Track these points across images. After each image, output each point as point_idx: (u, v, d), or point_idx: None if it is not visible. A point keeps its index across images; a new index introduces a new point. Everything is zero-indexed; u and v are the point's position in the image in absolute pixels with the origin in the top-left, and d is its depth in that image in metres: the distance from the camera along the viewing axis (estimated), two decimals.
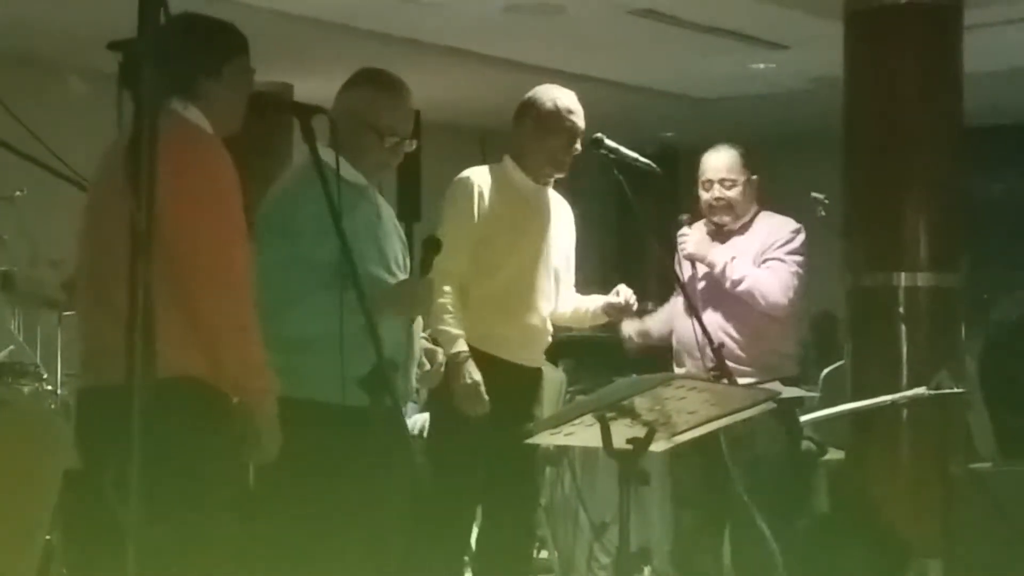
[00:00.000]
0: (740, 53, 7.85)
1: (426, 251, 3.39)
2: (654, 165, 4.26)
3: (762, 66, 8.20)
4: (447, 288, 4.01)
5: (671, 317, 4.84)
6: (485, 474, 4.13)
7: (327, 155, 3.18)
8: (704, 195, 4.72)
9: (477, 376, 4.01)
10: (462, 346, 4.03)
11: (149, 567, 2.07)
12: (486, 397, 4.01)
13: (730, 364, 4.38)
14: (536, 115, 4.17)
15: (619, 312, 4.30)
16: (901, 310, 5.39)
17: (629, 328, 4.81)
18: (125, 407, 2.11)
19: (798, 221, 4.82)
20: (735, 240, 4.72)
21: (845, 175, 5.67)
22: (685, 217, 4.75)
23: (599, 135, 4.15)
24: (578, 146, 4.18)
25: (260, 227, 3.40)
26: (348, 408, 3.20)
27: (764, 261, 4.65)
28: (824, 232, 5.40)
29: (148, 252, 2.36)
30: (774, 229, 4.72)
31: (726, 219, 4.69)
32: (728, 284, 4.60)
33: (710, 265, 4.63)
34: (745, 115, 9.46)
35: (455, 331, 4.04)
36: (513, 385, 4.07)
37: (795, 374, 4.81)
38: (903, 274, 5.43)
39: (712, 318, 4.58)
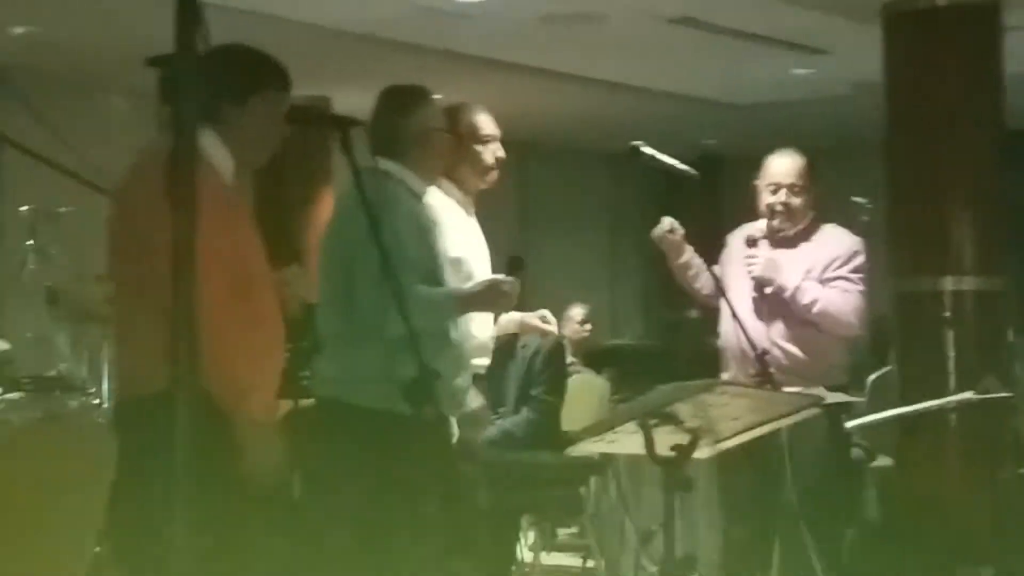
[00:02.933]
0: (780, 59, 7.82)
1: (509, 270, 3.50)
2: (692, 171, 4.24)
3: (802, 72, 8.16)
4: None
5: (700, 272, 4.66)
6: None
7: (386, 164, 3.27)
8: (769, 198, 4.61)
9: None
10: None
11: None
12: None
13: (780, 375, 4.34)
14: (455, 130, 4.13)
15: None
16: (947, 314, 5.35)
17: (668, 222, 4.62)
18: (155, 419, 2.12)
19: (845, 227, 4.77)
20: (798, 249, 4.62)
21: (887, 180, 5.64)
22: (754, 231, 4.66)
23: (636, 143, 4.14)
24: (502, 153, 4.17)
25: (327, 231, 3.51)
26: (395, 415, 3.24)
27: (829, 279, 4.55)
28: (867, 237, 5.36)
29: (189, 272, 2.38)
30: (837, 244, 4.62)
31: (786, 225, 4.62)
32: (800, 307, 4.51)
33: (779, 289, 4.54)
34: (786, 121, 9.41)
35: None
36: None
37: (844, 382, 4.75)
38: (948, 278, 5.39)
39: (777, 330, 4.52)
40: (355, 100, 3.87)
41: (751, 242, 4.59)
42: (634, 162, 4.18)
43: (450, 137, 3.70)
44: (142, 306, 2.71)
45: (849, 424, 4.90)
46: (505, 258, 3.81)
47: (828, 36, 7.25)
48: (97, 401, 5.44)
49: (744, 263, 4.57)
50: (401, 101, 3.70)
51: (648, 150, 4.12)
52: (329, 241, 3.63)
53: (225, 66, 2.86)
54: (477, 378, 4.21)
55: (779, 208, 4.60)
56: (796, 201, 4.61)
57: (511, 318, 4.40)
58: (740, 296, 4.54)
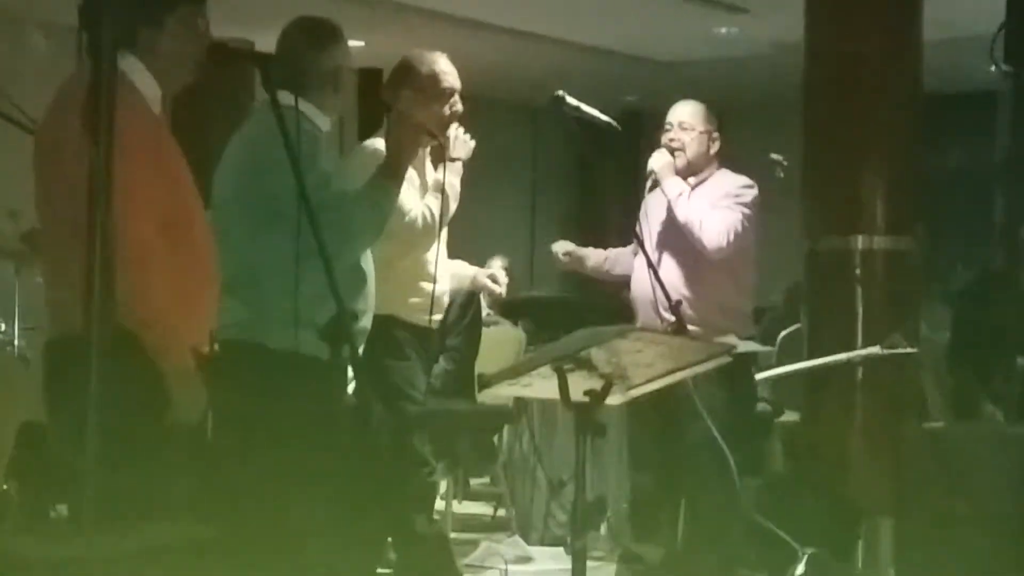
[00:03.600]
0: (703, 17, 7.87)
1: None
2: (615, 123, 4.30)
3: (724, 30, 8.22)
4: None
5: (616, 261, 4.94)
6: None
7: (286, 98, 3.18)
8: (662, 139, 4.80)
9: None
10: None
11: (101, 516, 2.08)
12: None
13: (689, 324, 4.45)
14: (414, 79, 4.20)
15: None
16: (857, 272, 5.44)
17: (561, 247, 4.89)
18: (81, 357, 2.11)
19: (756, 182, 4.88)
20: (695, 192, 4.79)
21: (803, 139, 5.70)
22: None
23: (560, 93, 4.18)
24: (459, 108, 4.21)
25: (222, 168, 3.42)
26: (302, 356, 3.23)
27: (717, 207, 4.74)
28: (783, 194, 5.45)
29: (106, 202, 2.36)
30: (727, 183, 4.82)
31: (679, 165, 4.76)
32: (675, 215, 4.69)
33: (665, 190, 4.70)
34: (707, 79, 9.47)
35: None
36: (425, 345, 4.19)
37: (751, 334, 4.88)
38: (859, 237, 5.48)
39: (664, 269, 4.64)
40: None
41: (654, 185, 4.71)
42: (556, 114, 4.22)
43: (354, 76, 3.65)
44: (73, 244, 2.69)
45: (758, 376, 5.01)
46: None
47: None
48: (8, 338, 5.39)
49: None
50: (315, 34, 3.59)
51: (572, 100, 4.16)
52: (232, 178, 3.47)
53: None
54: (435, 332, 4.26)
55: (669, 144, 4.72)
56: (685, 138, 4.76)
57: (464, 273, 4.43)
58: (650, 247, 4.64)
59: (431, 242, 4.13)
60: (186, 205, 2.88)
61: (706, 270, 4.67)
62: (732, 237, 4.69)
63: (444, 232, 4.15)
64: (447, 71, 4.21)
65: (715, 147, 4.84)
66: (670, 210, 4.73)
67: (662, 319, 4.57)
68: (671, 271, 4.67)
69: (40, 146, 2.92)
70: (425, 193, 4.19)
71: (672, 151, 4.79)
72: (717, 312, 4.68)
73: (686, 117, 4.81)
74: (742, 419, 4.80)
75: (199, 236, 2.91)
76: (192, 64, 2.94)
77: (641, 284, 4.71)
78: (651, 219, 4.76)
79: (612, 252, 5.03)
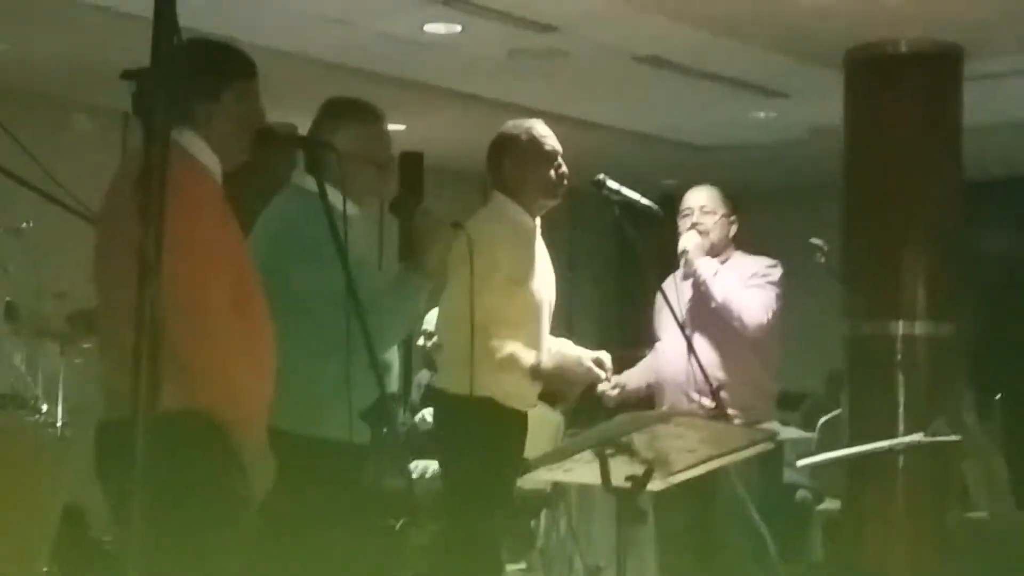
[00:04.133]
0: (741, 102, 7.90)
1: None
2: (656, 207, 4.30)
3: (762, 115, 8.24)
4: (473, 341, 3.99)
5: (648, 370, 4.87)
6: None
7: (311, 183, 3.18)
8: (682, 225, 4.81)
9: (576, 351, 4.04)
10: (533, 357, 4.06)
11: None
12: (595, 358, 4.07)
13: (709, 401, 4.45)
14: (516, 149, 4.19)
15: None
16: (899, 358, 5.41)
17: (605, 384, 4.78)
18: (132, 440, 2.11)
19: (797, 268, 4.87)
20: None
21: (843, 223, 5.70)
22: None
23: (601, 176, 4.18)
24: (564, 169, 4.19)
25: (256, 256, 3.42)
26: (354, 445, 3.21)
27: (746, 286, 4.73)
28: (825, 279, 5.43)
29: (156, 283, 2.37)
30: (752, 264, 4.82)
31: (704, 247, 4.77)
32: (712, 295, 4.67)
33: (700, 270, 4.69)
34: (745, 163, 9.51)
35: (517, 350, 4.04)
36: (525, 431, 4.06)
37: (772, 417, 4.86)
38: (901, 322, 5.46)
39: (712, 360, 4.61)
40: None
41: (687, 266, 4.71)
42: (596, 197, 4.23)
43: (374, 167, 3.45)
44: (128, 328, 2.70)
45: (800, 463, 4.96)
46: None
47: (788, 80, 7.34)
48: (51, 419, 5.41)
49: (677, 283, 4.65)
50: (332, 114, 3.52)
51: (612, 184, 4.17)
52: (271, 262, 3.30)
53: (192, 64, 2.78)
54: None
55: (699, 227, 4.75)
56: (707, 222, 4.77)
57: (569, 354, 4.26)
58: (675, 336, 4.62)
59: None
60: (247, 281, 2.88)
61: (737, 352, 4.64)
62: (771, 315, 4.68)
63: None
64: (546, 135, 4.21)
65: (733, 230, 4.85)
66: (699, 291, 4.71)
67: (692, 403, 4.56)
68: (703, 354, 4.63)
69: (99, 230, 2.95)
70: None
71: (699, 234, 4.80)
72: (748, 395, 4.64)
73: (706, 201, 4.83)
74: (774, 503, 4.75)
75: (260, 316, 2.91)
76: (248, 140, 2.96)
77: (670, 368, 4.70)
78: (679, 302, 4.73)
79: (641, 369, 4.95)
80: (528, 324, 4.12)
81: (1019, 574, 4.55)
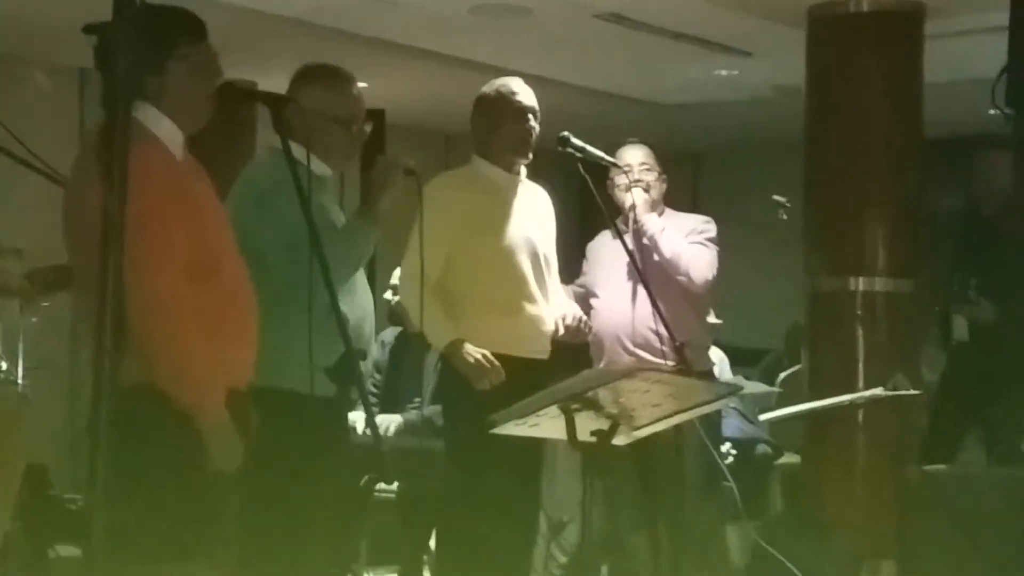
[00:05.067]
0: (704, 60, 7.90)
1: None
2: (619, 163, 4.33)
3: (725, 73, 8.25)
4: (425, 296, 4.04)
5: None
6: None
7: (295, 148, 3.20)
8: (621, 180, 4.80)
9: (477, 353, 4.04)
10: (453, 334, 4.08)
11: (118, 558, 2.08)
12: (496, 364, 4.04)
13: (648, 356, 4.50)
14: (485, 106, 4.26)
15: (574, 333, 4.35)
16: (859, 313, 5.46)
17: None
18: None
19: (759, 223, 4.92)
20: None
21: (805, 181, 5.74)
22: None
23: (565, 133, 4.20)
24: (532, 124, 4.22)
25: (236, 211, 3.41)
26: (317, 398, 3.23)
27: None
28: (787, 235, 5.48)
29: (119, 245, 2.35)
30: (688, 221, 4.89)
31: (645, 200, 4.81)
32: (660, 251, 4.72)
33: (647, 226, 4.74)
34: (709, 121, 9.52)
35: (441, 322, 4.07)
36: (522, 379, 4.03)
37: (710, 368, 4.95)
38: (861, 279, 5.50)
39: (638, 307, 4.67)
40: (280, 85, 3.84)
41: (616, 234, 4.74)
42: (560, 154, 4.25)
43: (339, 124, 3.51)
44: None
45: (763, 417, 5.02)
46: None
47: (751, 38, 7.35)
48: (12, 377, 5.37)
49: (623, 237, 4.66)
50: (300, 77, 3.59)
51: (576, 141, 4.18)
52: (242, 218, 3.38)
53: (139, 34, 2.80)
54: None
55: (640, 184, 4.78)
56: (648, 177, 4.81)
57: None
58: (624, 285, 4.66)
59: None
60: (214, 252, 2.85)
61: (676, 306, 4.67)
62: (714, 272, 4.77)
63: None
64: (517, 91, 4.25)
65: (665, 188, 4.89)
66: (645, 247, 4.74)
67: (630, 355, 4.63)
68: (644, 308, 4.68)
69: (66, 195, 2.92)
70: None
71: (643, 190, 4.83)
72: (688, 349, 4.69)
73: (644, 158, 4.87)
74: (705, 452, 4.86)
75: (230, 283, 2.89)
76: (206, 102, 2.93)
77: (610, 322, 4.76)
78: (618, 258, 4.76)
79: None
80: (502, 274, 4.15)
81: (979, 526, 4.62)
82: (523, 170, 4.31)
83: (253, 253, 3.21)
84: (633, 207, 4.78)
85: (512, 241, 4.19)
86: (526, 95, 4.25)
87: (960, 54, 6.77)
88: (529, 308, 4.18)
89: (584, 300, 4.90)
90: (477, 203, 4.18)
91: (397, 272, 5.24)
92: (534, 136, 4.23)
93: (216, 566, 2.73)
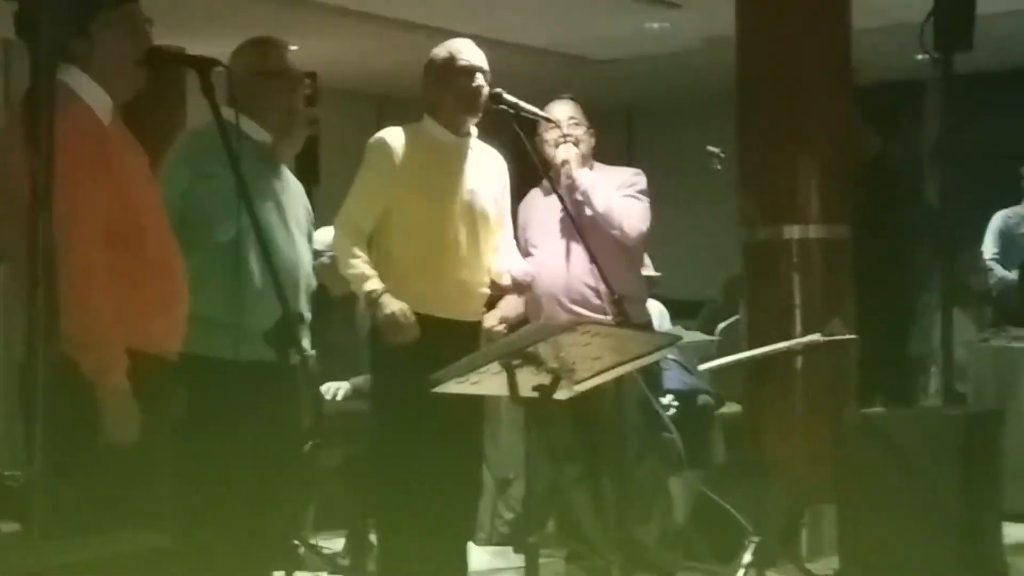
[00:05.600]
0: (635, 13, 7.91)
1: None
2: (553, 119, 4.34)
3: (656, 26, 8.27)
4: (356, 246, 4.07)
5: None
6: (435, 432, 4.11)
7: (227, 112, 3.18)
8: (550, 136, 4.82)
9: (395, 306, 4.04)
10: (375, 284, 4.08)
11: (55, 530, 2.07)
12: (411, 320, 4.04)
13: (585, 312, 4.54)
14: (434, 68, 4.29)
15: (520, 288, 4.37)
16: (794, 261, 5.52)
17: (492, 320, 4.59)
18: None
19: (694, 175, 4.96)
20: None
21: (738, 131, 5.76)
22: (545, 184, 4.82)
23: (498, 90, 4.21)
24: (480, 83, 4.24)
25: (164, 178, 3.39)
26: (245, 363, 3.21)
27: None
28: (722, 186, 5.50)
29: (47, 208, 2.33)
30: (618, 175, 4.92)
31: (573, 156, 4.83)
32: (594, 205, 4.74)
33: (580, 181, 4.75)
34: (642, 75, 9.54)
35: (366, 272, 4.07)
36: (453, 341, 4.04)
37: (647, 320, 4.99)
38: (796, 226, 5.55)
39: (573, 262, 4.70)
40: (209, 51, 3.81)
41: (548, 191, 4.75)
42: (495, 112, 4.26)
43: (271, 86, 3.52)
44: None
45: (702, 367, 5.06)
46: None
47: None
48: None
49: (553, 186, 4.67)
50: (233, 51, 3.63)
51: (510, 97, 4.19)
52: (179, 181, 3.43)
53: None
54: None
55: (562, 140, 4.79)
56: (578, 132, 4.84)
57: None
58: (551, 246, 4.68)
59: None
60: (138, 220, 2.83)
61: (612, 260, 4.70)
62: (648, 224, 4.80)
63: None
64: (463, 51, 4.28)
65: (593, 142, 4.91)
66: (576, 204, 4.75)
67: (567, 311, 4.65)
68: (580, 263, 4.71)
69: None
70: None
71: (573, 145, 4.85)
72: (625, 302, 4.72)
73: (573, 113, 4.89)
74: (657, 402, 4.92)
75: (155, 251, 2.86)
76: (135, 69, 2.90)
77: (546, 278, 4.78)
78: (554, 215, 4.77)
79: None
80: (434, 236, 4.16)
81: (916, 466, 4.69)
82: (473, 131, 4.30)
83: (185, 219, 3.19)
84: (565, 162, 4.79)
85: (450, 203, 4.19)
86: (475, 55, 4.29)
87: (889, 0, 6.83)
88: (459, 271, 4.20)
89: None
90: (419, 161, 4.19)
91: (319, 234, 5.24)
92: (483, 95, 4.24)
93: (160, 533, 2.72)
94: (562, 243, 4.79)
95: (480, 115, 4.27)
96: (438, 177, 4.21)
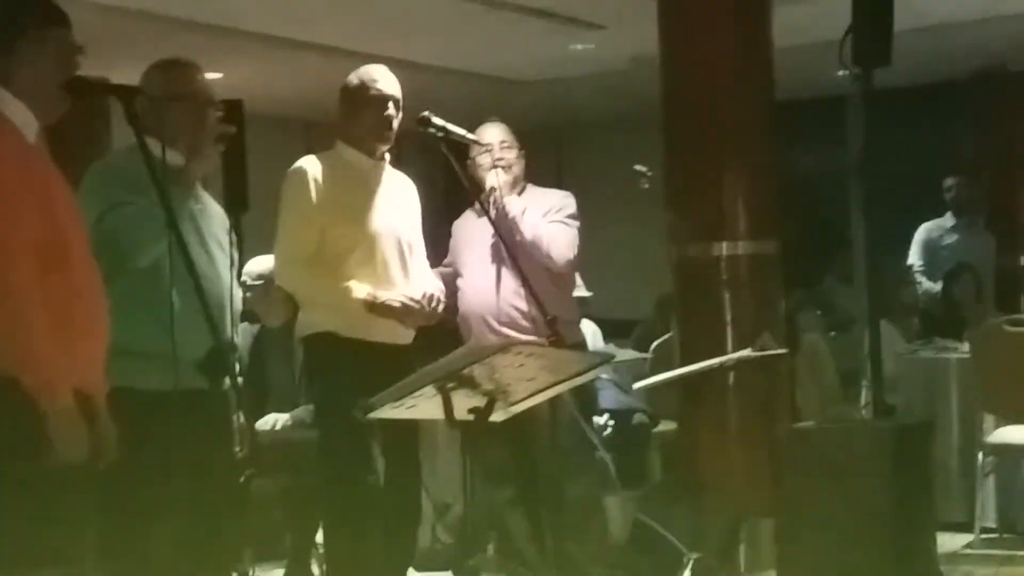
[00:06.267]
0: (560, 35, 7.96)
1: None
2: (484, 142, 4.35)
3: (581, 47, 8.32)
4: (306, 268, 4.08)
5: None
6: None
7: (152, 143, 3.16)
8: (483, 160, 4.83)
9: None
10: (361, 290, 4.12)
11: None
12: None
13: (514, 334, 4.55)
14: (347, 95, 4.30)
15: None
16: (724, 277, 5.55)
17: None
18: None
19: (623, 195, 4.98)
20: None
21: (664, 149, 5.80)
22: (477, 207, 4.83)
23: (426, 113, 4.22)
24: (391, 111, 4.25)
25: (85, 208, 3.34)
26: (179, 392, 3.17)
27: (548, 221, 4.84)
28: (650, 205, 5.53)
29: None
30: (549, 198, 4.94)
31: (507, 181, 4.84)
32: (522, 233, 4.75)
33: (509, 208, 4.77)
34: (567, 96, 9.59)
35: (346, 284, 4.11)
36: (387, 364, 4.04)
37: (580, 341, 5.01)
38: (724, 243, 5.59)
39: (504, 286, 4.72)
40: (133, 79, 3.78)
41: (480, 213, 4.76)
42: (423, 136, 4.26)
43: (181, 107, 3.47)
44: None
45: (636, 385, 5.08)
46: None
47: (605, 11, 7.41)
48: None
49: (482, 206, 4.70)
50: (145, 73, 3.59)
51: (438, 120, 4.20)
52: (88, 213, 3.29)
53: None
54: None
55: (502, 163, 4.81)
56: (510, 155, 4.85)
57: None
58: (488, 264, 4.69)
59: None
60: (64, 240, 2.79)
61: (541, 284, 4.72)
62: (576, 251, 4.83)
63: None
64: (377, 78, 4.28)
65: (524, 164, 4.95)
66: (508, 229, 4.76)
67: (496, 333, 4.66)
68: (510, 286, 4.73)
69: None
70: None
71: (504, 170, 4.85)
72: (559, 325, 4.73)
73: (504, 136, 4.90)
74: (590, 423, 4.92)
75: (81, 276, 2.82)
76: (60, 92, 2.86)
77: (476, 301, 4.80)
78: (483, 237, 4.78)
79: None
80: (363, 261, 4.16)
81: (850, 478, 4.72)
82: (387, 157, 4.33)
83: (99, 251, 3.15)
84: (493, 190, 4.80)
85: (374, 227, 4.22)
86: (388, 83, 4.29)
87: (807, 17, 6.92)
88: (390, 294, 4.19)
89: (451, 281, 4.92)
90: (339, 187, 4.21)
91: (250, 266, 5.21)
92: (395, 123, 4.27)
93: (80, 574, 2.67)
94: (493, 266, 4.80)
95: (391, 143, 4.30)
96: (360, 201, 4.23)
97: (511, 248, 4.61)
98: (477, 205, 4.79)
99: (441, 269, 4.92)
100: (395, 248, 4.25)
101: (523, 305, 4.69)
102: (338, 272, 4.15)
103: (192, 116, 3.47)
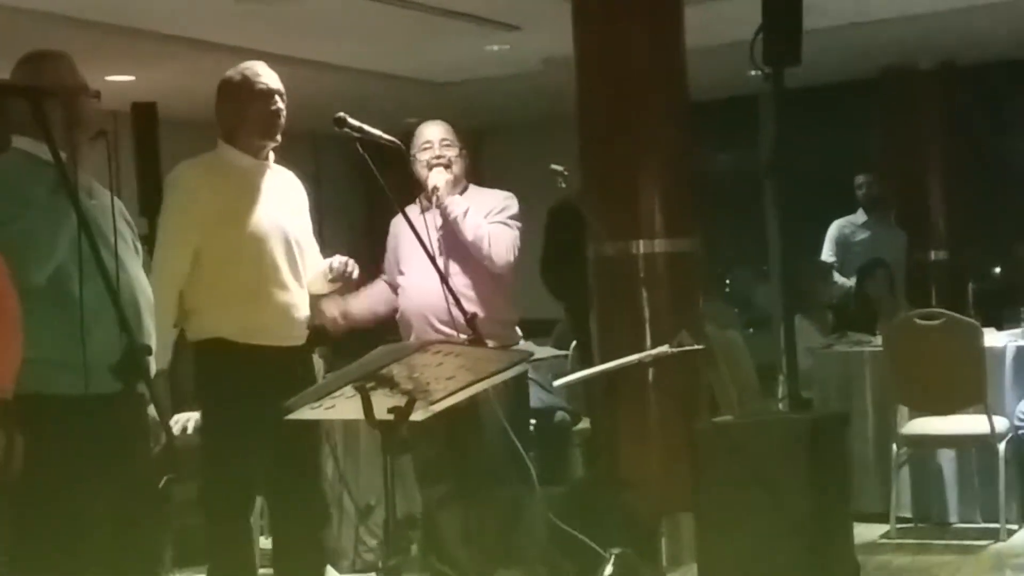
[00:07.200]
0: (475, 36, 7.97)
1: None
2: (397, 141, 4.33)
3: (496, 48, 8.34)
4: (170, 291, 4.01)
5: (377, 300, 4.95)
6: (267, 460, 4.06)
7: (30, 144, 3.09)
8: (423, 157, 4.83)
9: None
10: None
11: None
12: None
13: (453, 332, 4.55)
14: (230, 90, 4.16)
15: (340, 275, 4.33)
16: (641, 276, 5.60)
17: (332, 309, 4.75)
18: None
19: (540, 194, 5.00)
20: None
21: (580, 149, 5.84)
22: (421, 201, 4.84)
23: (342, 114, 4.17)
24: (279, 105, 4.16)
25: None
26: (91, 397, 3.13)
27: (490, 222, 4.84)
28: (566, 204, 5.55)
29: None
30: (490, 198, 4.93)
31: (446, 179, 4.84)
32: (463, 234, 4.76)
33: (451, 208, 4.75)
34: (483, 97, 9.61)
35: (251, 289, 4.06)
36: (280, 367, 4.02)
37: (518, 342, 5.02)
38: (641, 242, 5.64)
39: (457, 287, 4.72)
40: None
41: (423, 208, 4.76)
42: (339, 138, 4.22)
43: (56, 102, 3.26)
44: None
45: (556, 383, 5.11)
46: None
47: (519, 12, 7.44)
48: None
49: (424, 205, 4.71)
50: (13, 68, 3.43)
51: (353, 121, 4.16)
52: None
53: None
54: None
55: (435, 162, 4.81)
56: (450, 153, 4.85)
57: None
58: (422, 269, 4.68)
59: None
60: None
61: (482, 283, 4.74)
62: (515, 253, 4.82)
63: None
64: (260, 74, 4.16)
65: (466, 163, 4.93)
66: (449, 229, 4.77)
67: (438, 332, 4.65)
68: (456, 286, 4.72)
69: None
70: None
71: (445, 168, 4.85)
72: (495, 323, 4.74)
73: (445, 134, 4.89)
74: (526, 425, 4.91)
75: None
76: None
77: (417, 300, 4.78)
78: (427, 236, 4.79)
79: (369, 296, 5.00)
80: (251, 263, 4.08)
81: (767, 471, 4.78)
82: (271, 155, 4.23)
83: (11, 252, 3.10)
84: (435, 189, 4.79)
85: (261, 228, 4.10)
86: (270, 77, 4.18)
87: (719, 18, 7.00)
88: (280, 295, 4.11)
89: (393, 288, 4.91)
90: (223, 191, 4.08)
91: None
92: (281, 118, 4.16)
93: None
94: (432, 265, 4.77)
95: (278, 140, 4.18)
96: (245, 203, 4.10)
97: (453, 246, 4.62)
98: (421, 201, 4.79)
99: (383, 279, 4.93)
100: (283, 249, 4.14)
101: (469, 305, 4.67)
102: (225, 277, 4.05)
103: (66, 111, 3.29)
